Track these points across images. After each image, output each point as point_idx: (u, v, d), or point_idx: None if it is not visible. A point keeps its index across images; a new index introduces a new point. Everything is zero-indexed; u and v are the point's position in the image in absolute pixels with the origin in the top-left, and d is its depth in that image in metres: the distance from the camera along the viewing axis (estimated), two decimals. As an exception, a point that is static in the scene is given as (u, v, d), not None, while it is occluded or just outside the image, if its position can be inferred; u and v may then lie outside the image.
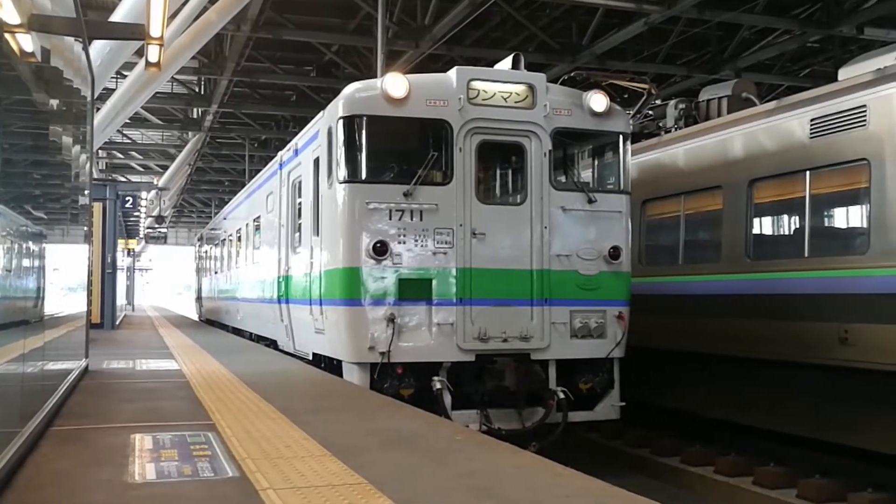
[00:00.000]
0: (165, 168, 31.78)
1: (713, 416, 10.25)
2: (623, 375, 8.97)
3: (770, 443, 9.59)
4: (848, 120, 8.24)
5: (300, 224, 10.71)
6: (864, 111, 8.05)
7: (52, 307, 5.76)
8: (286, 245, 11.54)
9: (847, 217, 9.43)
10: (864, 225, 8.19)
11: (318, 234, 9.45)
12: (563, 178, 9.18)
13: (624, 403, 8.98)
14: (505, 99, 8.65)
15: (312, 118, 10.30)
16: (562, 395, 8.46)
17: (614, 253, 8.81)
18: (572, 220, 8.77)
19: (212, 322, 24.14)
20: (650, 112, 12.51)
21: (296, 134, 11.69)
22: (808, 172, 8.77)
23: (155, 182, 30.54)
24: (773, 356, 9.03)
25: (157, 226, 37.05)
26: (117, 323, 20.28)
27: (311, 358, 10.17)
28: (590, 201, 8.83)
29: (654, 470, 10.06)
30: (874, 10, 16.07)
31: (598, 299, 8.75)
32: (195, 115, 26.04)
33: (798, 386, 8.92)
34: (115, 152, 33.55)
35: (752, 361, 9.38)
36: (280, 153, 12.56)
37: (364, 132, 8.42)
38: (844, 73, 9.04)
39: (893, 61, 8.25)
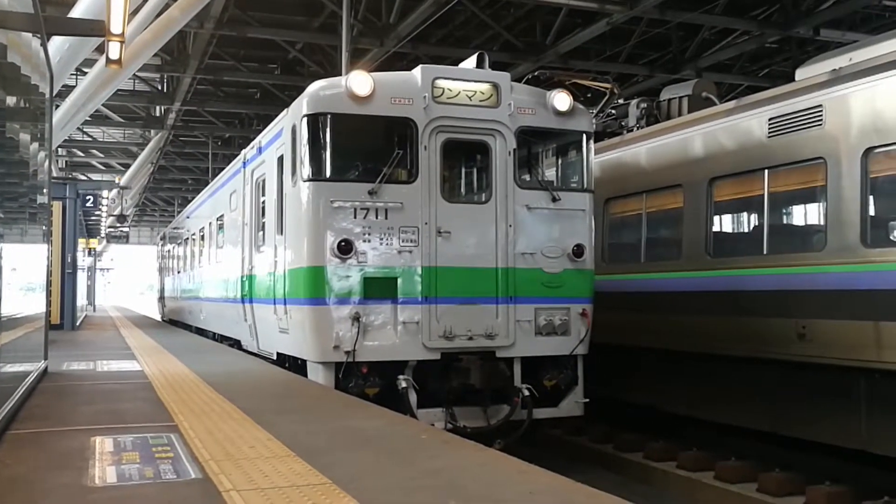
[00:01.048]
0: (127, 166, 31.36)
1: (675, 411, 10.38)
2: (587, 372, 9.06)
3: (731, 438, 9.74)
4: (805, 119, 8.39)
5: (264, 223, 10.65)
6: (821, 111, 8.21)
7: (9, 308, 5.66)
8: (250, 244, 11.46)
9: (805, 215, 9.61)
10: (821, 222, 8.35)
11: (282, 233, 9.41)
12: (527, 177, 9.23)
13: (588, 400, 9.07)
14: (470, 98, 8.68)
15: (276, 116, 10.24)
16: (527, 393, 8.52)
17: (578, 251, 8.89)
18: (537, 218, 8.83)
19: (175, 322, 23.91)
20: (612, 111, 12.62)
21: (260, 132, 11.62)
22: (766, 171, 8.91)
23: (116, 181, 30.12)
24: (734, 352, 9.16)
25: (118, 225, 36.48)
26: (78, 323, 19.98)
27: (275, 358, 10.12)
28: (554, 200, 8.89)
29: (618, 465, 10.17)
30: (830, 11, 16.42)
31: (563, 297, 8.83)
32: (158, 113, 25.73)
33: (758, 381, 9.06)
34: (75, 150, 33.03)
35: (713, 357, 9.51)
36: (243, 151, 12.46)
37: (328, 130, 8.39)
38: (801, 74, 9.19)
39: (848, 62, 8.41)
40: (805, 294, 8.25)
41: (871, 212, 7.81)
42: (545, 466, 4.28)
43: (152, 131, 27.29)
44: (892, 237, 7.66)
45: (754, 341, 8.82)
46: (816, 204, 8.72)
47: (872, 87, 7.70)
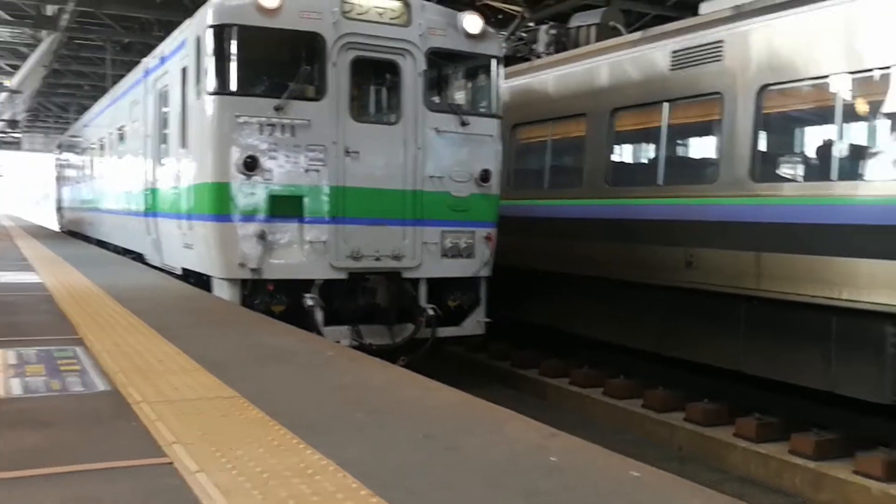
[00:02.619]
0: (16, 68, 29.52)
1: (571, 331, 10.86)
2: (489, 293, 9.37)
3: (620, 357, 10.30)
4: (705, 53, 8.68)
5: (167, 135, 10.39)
6: (721, 46, 8.49)
7: None
8: (153, 157, 11.17)
9: (700, 148, 10.02)
10: (715, 156, 8.74)
11: (185, 147, 9.23)
12: (436, 100, 9.28)
13: (489, 320, 9.41)
14: (380, 15, 8.60)
15: (180, 23, 9.90)
16: (431, 312, 8.77)
17: (485, 176, 9.07)
18: (445, 141, 8.92)
19: (74, 234, 23.16)
20: (523, 35, 12.70)
21: (161, 39, 11.21)
22: (665, 103, 9.22)
23: (6, 83, 28.41)
24: (627, 277, 9.60)
25: (9, 130, 34.58)
26: (-34, 233, 19.10)
27: (179, 272, 10.04)
28: (463, 124, 8.99)
29: (515, 381, 10.66)
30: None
31: (468, 221, 9.04)
32: (50, 13, 24.21)
33: (647, 305, 9.55)
34: (-44, 48, 30.85)
35: (608, 282, 9.95)
36: (145, 60, 12.01)
37: (235, 42, 8.19)
38: (705, 8, 9.40)
39: (750, -1, 8.69)
40: (695, 224, 8.68)
41: (762, 147, 8.21)
42: (447, 382, 4.50)
43: (44, 32, 25.68)
44: (777, 172, 8.11)
45: (646, 268, 9.26)
46: (711, 137, 9.09)
47: (771, 25, 7.99)
